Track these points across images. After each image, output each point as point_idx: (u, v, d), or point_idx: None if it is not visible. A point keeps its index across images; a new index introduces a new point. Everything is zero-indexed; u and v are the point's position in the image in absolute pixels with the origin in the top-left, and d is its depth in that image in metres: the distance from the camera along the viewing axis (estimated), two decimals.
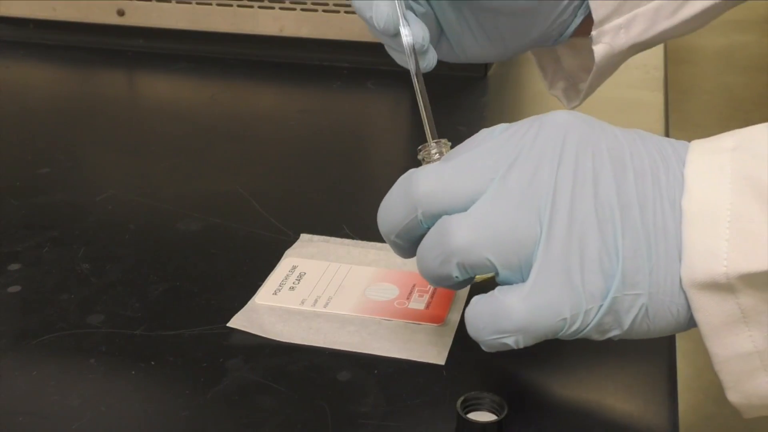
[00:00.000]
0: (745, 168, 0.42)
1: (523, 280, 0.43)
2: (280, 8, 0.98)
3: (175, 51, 1.02)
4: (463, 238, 0.43)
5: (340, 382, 0.50)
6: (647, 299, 0.43)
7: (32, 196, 0.71)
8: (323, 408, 0.48)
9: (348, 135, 0.86)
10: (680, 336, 0.51)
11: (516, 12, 0.56)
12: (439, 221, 0.45)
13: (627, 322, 0.44)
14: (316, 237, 0.64)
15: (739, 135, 0.44)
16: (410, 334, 0.54)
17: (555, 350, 0.51)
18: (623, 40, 0.57)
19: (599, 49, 0.57)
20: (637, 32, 0.57)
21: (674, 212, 0.43)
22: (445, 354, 0.52)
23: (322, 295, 0.57)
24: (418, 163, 0.49)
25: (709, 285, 0.42)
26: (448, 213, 0.45)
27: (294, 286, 0.58)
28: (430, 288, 0.57)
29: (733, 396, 0.45)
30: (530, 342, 0.44)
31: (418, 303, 0.56)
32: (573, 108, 0.64)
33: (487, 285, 0.45)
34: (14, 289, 0.58)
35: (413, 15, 0.52)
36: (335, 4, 0.97)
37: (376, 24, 0.52)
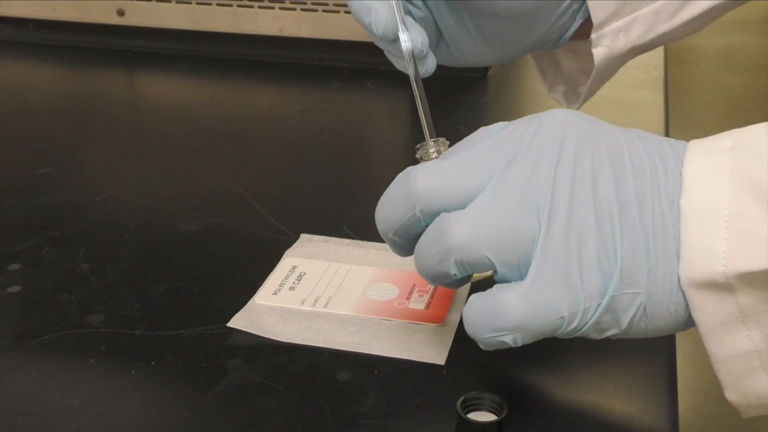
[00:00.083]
0: (744, 167, 0.42)
1: (522, 278, 0.43)
2: (280, 8, 0.98)
3: (175, 51, 1.02)
4: (461, 235, 0.43)
5: (340, 382, 0.50)
6: (645, 298, 0.43)
7: (32, 196, 0.71)
8: (323, 408, 0.48)
9: (348, 135, 0.86)
10: (680, 336, 0.51)
11: (515, 16, 0.56)
12: (438, 219, 0.45)
13: (625, 321, 0.44)
14: (316, 237, 0.64)
15: (737, 134, 0.44)
16: (410, 334, 0.54)
17: (555, 350, 0.52)
18: (623, 42, 0.57)
19: (599, 52, 0.57)
20: (636, 35, 0.57)
21: (673, 211, 0.43)
22: (445, 354, 0.52)
23: (322, 295, 0.57)
24: (417, 163, 0.49)
25: (708, 284, 0.42)
26: (447, 210, 0.45)
27: (294, 286, 0.58)
28: (430, 288, 0.57)
29: (732, 395, 0.45)
30: (528, 340, 0.44)
31: (418, 303, 0.56)
32: None
33: (485, 284, 0.45)
34: (14, 289, 0.58)
35: (412, 20, 0.52)
36: (335, 4, 0.97)
37: (374, 29, 0.52)
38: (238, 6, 0.99)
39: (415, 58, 0.51)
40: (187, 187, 0.73)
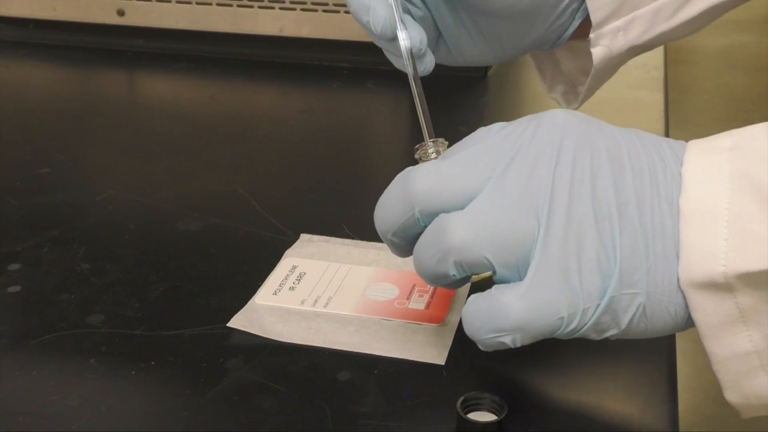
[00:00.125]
0: (743, 167, 0.42)
1: (521, 279, 0.43)
2: (280, 8, 0.98)
3: (175, 51, 1.02)
4: (460, 236, 0.43)
5: (340, 382, 0.50)
6: (645, 299, 0.43)
7: (32, 196, 0.71)
8: (323, 408, 0.48)
9: (348, 135, 0.86)
10: (680, 336, 0.51)
11: (513, 15, 0.56)
12: (437, 219, 0.45)
13: (625, 322, 0.44)
14: (316, 237, 0.64)
15: (736, 134, 0.44)
16: (410, 334, 0.54)
17: (555, 350, 0.52)
18: (622, 42, 0.57)
19: (597, 52, 0.57)
20: (635, 35, 0.58)
21: (672, 211, 0.43)
22: (445, 354, 0.52)
23: (322, 295, 0.57)
24: (416, 163, 0.49)
25: (708, 284, 0.42)
26: (446, 211, 0.45)
27: (294, 286, 0.58)
28: (430, 288, 0.57)
29: (732, 396, 0.45)
30: (527, 341, 0.44)
31: (418, 303, 0.56)
32: None
33: (484, 284, 0.45)
34: (14, 289, 0.58)
35: (411, 19, 0.52)
36: (335, 4, 0.97)
37: (373, 28, 0.52)
38: (238, 6, 0.99)
39: (414, 56, 0.51)
40: (187, 187, 0.73)
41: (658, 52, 0.97)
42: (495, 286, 0.44)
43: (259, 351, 0.53)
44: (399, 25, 0.51)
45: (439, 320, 0.55)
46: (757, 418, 0.48)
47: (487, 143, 0.45)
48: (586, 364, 0.52)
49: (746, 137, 0.43)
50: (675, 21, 0.58)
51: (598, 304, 0.43)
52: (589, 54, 0.58)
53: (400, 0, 0.51)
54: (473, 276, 0.45)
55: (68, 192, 0.72)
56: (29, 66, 1.02)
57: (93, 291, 0.58)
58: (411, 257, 0.48)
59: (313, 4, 0.97)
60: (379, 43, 0.54)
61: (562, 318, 0.43)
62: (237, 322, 0.55)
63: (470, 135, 0.47)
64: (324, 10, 0.97)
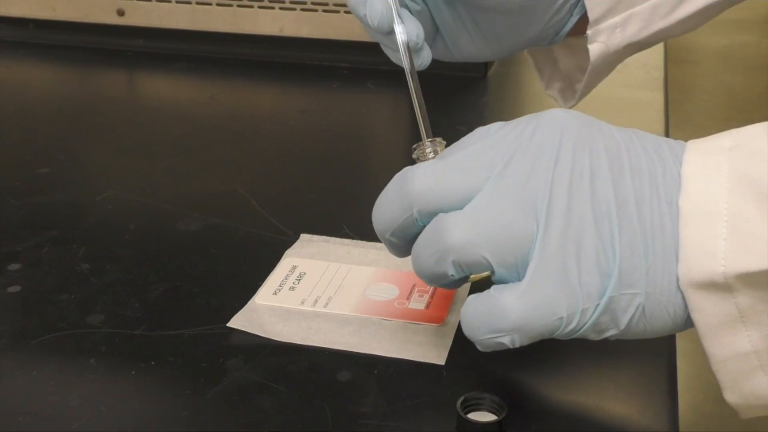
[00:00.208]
0: (743, 167, 0.42)
1: (519, 279, 0.43)
2: (280, 8, 0.98)
3: (175, 51, 1.02)
4: (459, 235, 0.43)
5: (340, 382, 0.50)
6: (644, 299, 0.43)
7: (32, 196, 0.71)
8: (323, 408, 0.48)
9: (348, 135, 0.86)
10: (680, 336, 0.51)
11: (511, 10, 0.56)
12: (435, 219, 0.45)
13: (624, 322, 0.44)
14: (316, 237, 0.64)
15: (736, 134, 0.44)
16: (410, 334, 0.54)
17: (555, 351, 0.52)
18: (619, 39, 0.58)
19: (594, 48, 0.57)
20: (632, 31, 0.58)
21: (671, 211, 0.43)
22: (445, 354, 0.52)
23: (322, 295, 0.57)
24: (414, 163, 0.49)
25: (707, 284, 0.42)
26: (444, 211, 0.44)
27: (294, 286, 0.58)
28: (430, 288, 0.57)
29: (731, 396, 0.45)
30: (526, 341, 0.44)
31: (418, 303, 0.56)
32: (569, 108, 0.64)
33: (485, 284, 0.45)
34: (14, 289, 0.58)
35: (408, 13, 0.52)
36: (335, 4, 0.97)
37: (370, 22, 0.52)
38: (238, 6, 0.99)
39: (411, 50, 0.51)
40: (187, 187, 0.73)
41: (658, 52, 0.97)
42: (494, 287, 0.44)
43: (259, 351, 0.53)
44: (396, 19, 0.51)
45: (439, 320, 0.55)
46: (757, 419, 0.48)
47: (486, 142, 0.45)
48: (586, 365, 0.52)
49: (745, 137, 0.43)
50: (672, 18, 0.58)
51: (597, 304, 0.43)
52: (587, 51, 0.58)
53: None
54: (471, 276, 0.45)
55: (68, 192, 0.72)
56: (29, 66, 1.02)
57: (93, 291, 0.58)
58: (410, 257, 0.48)
59: (313, 4, 0.97)
60: (375, 37, 0.54)
61: (561, 318, 0.43)
62: (237, 322, 0.55)
63: (469, 134, 0.47)
64: (324, 10, 0.97)
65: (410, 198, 0.45)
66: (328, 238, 0.63)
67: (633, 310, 0.43)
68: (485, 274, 0.45)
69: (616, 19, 0.57)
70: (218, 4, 1.00)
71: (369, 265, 0.60)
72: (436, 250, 0.44)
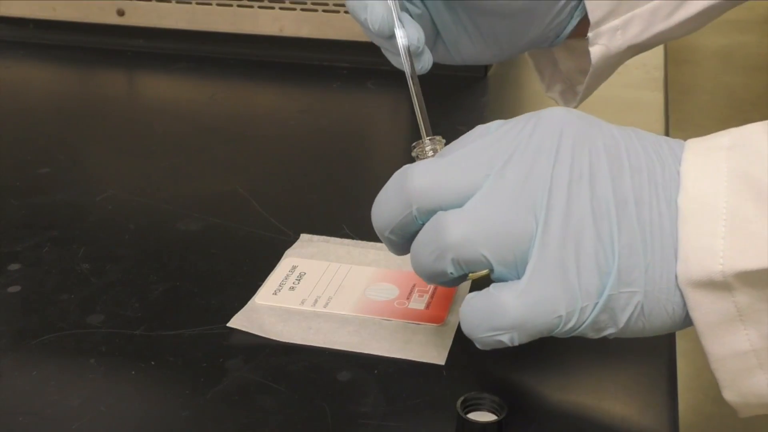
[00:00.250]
0: (741, 166, 0.42)
1: (519, 277, 0.43)
2: (280, 8, 0.98)
3: (175, 51, 1.02)
4: (458, 233, 0.43)
5: (340, 382, 0.50)
6: (643, 297, 0.43)
7: (32, 196, 0.71)
8: (323, 408, 0.48)
9: (348, 135, 0.86)
10: (680, 335, 0.51)
11: (511, 13, 0.56)
12: (434, 217, 0.45)
13: (622, 320, 0.44)
14: (316, 237, 0.64)
15: (735, 133, 0.44)
16: (410, 334, 0.54)
17: (555, 351, 0.52)
18: (620, 41, 0.58)
19: (596, 51, 0.57)
20: (633, 34, 0.58)
21: (670, 210, 0.43)
22: (445, 354, 0.52)
23: (322, 295, 0.57)
24: (414, 161, 0.49)
25: (706, 283, 0.42)
26: (443, 209, 0.44)
27: (294, 286, 0.58)
28: (430, 288, 0.57)
29: (730, 395, 0.45)
30: (525, 339, 0.44)
31: (418, 303, 0.56)
32: None
33: (485, 282, 0.45)
34: (14, 289, 0.58)
35: (408, 17, 0.52)
36: (335, 4, 0.97)
37: (370, 26, 0.52)
38: (238, 6, 0.99)
39: (411, 54, 0.51)
40: (187, 187, 0.73)
41: (658, 52, 0.97)
42: (493, 285, 0.44)
43: (259, 351, 0.53)
44: (396, 23, 0.51)
45: (439, 320, 0.55)
46: (757, 418, 0.48)
47: (486, 141, 0.45)
48: (586, 365, 0.52)
49: (744, 136, 0.43)
50: (673, 20, 0.58)
51: (596, 303, 0.43)
52: (588, 53, 0.58)
53: None
54: (470, 274, 0.45)
55: (68, 192, 0.72)
56: (29, 66, 1.02)
57: (93, 291, 0.58)
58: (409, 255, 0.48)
59: (313, 4, 0.97)
60: (376, 41, 0.54)
61: (560, 316, 0.43)
62: (237, 322, 0.55)
63: (468, 132, 0.47)
64: (324, 10, 0.97)
65: (409, 196, 0.45)
66: (328, 238, 0.63)
67: (632, 308, 0.43)
68: (484, 272, 0.45)
69: (617, 21, 0.57)
70: (218, 4, 1.00)
71: (369, 265, 0.60)
72: (436, 248, 0.44)
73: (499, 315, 0.43)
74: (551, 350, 0.51)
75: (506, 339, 0.44)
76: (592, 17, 0.56)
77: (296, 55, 0.99)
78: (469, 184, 0.44)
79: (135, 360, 0.52)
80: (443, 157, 0.46)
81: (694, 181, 0.43)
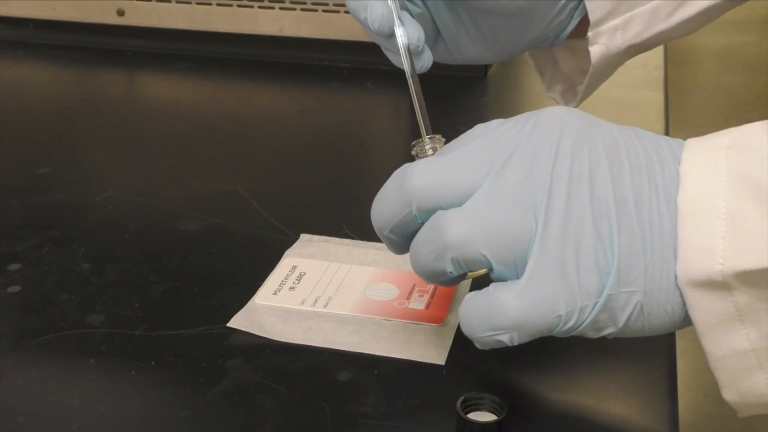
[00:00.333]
0: (741, 165, 0.42)
1: (518, 277, 0.43)
2: (280, 8, 0.98)
3: (175, 51, 1.02)
4: (458, 233, 0.43)
5: (340, 382, 0.50)
6: (642, 297, 0.43)
7: (32, 196, 0.71)
8: (323, 408, 0.48)
9: (348, 135, 0.86)
10: (680, 335, 0.51)
11: (512, 13, 0.56)
12: (434, 216, 0.45)
13: (622, 320, 0.44)
14: (316, 237, 0.64)
15: (734, 132, 0.44)
16: (410, 334, 0.54)
17: (555, 351, 0.52)
18: (620, 41, 0.58)
19: (595, 50, 0.57)
20: (633, 33, 0.58)
21: (670, 209, 0.43)
22: (445, 354, 0.52)
23: (322, 295, 0.57)
24: (413, 160, 0.49)
25: (705, 283, 0.42)
26: (443, 208, 0.44)
27: (294, 286, 0.58)
28: (430, 288, 0.57)
29: (729, 394, 0.45)
30: (525, 339, 0.44)
31: (418, 303, 0.56)
32: None
33: (486, 281, 0.45)
34: (14, 289, 0.58)
35: (408, 15, 0.52)
36: (335, 4, 0.97)
37: (370, 25, 0.52)
38: (238, 6, 0.99)
39: (411, 53, 0.51)
40: (187, 187, 0.73)
41: (658, 52, 0.97)
42: (492, 284, 0.44)
43: (259, 351, 0.53)
44: (396, 22, 0.51)
45: (439, 320, 0.55)
46: (757, 418, 0.48)
47: (485, 140, 0.45)
48: (586, 365, 0.52)
49: (744, 135, 0.43)
50: (673, 20, 0.58)
51: (596, 302, 0.43)
52: (588, 53, 0.58)
53: None
54: (469, 273, 0.45)
55: (68, 192, 0.72)
56: (29, 66, 1.02)
57: (93, 291, 0.58)
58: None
59: (313, 4, 0.97)
60: (376, 40, 0.54)
61: (559, 316, 0.43)
62: (237, 322, 0.55)
63: (468, 131, 0.47)
64: (324, 10, 0.97)
65: (409, 195, 0.45)
66: (328, 238, 0.63)
67: (631, 308, 0.43)
68: (483, 271, 0.45)
69: (617, 21, 0.57)
70: (218, 4, 1.00)
71: (369, 265, 0.60)
72: (435, 248, 0.44)
73: (498, 315, 0.43)
74: (551, 350, 0.51)
75: (506, 339, 0.44)
76: (592, 17, 0.57)
77: (296, 55, 0.99)
78: (468, 183, 0.44)
79: (135, 360, 0.52)
80: (443, 156, 0.46)
81: (693, 181, 0.43)
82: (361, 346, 0.53)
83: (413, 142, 0.50)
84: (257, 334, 0.54)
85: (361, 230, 0.64)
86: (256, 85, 0.98)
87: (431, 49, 0.54)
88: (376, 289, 0.58)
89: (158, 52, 1.02)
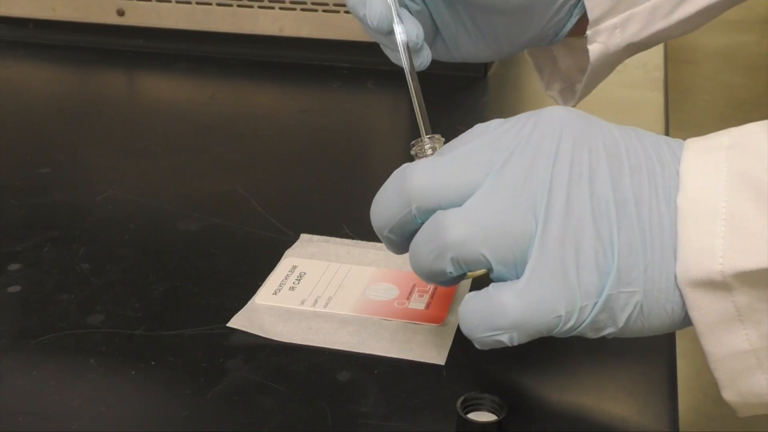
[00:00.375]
0: (741, 165, 0.42)
1: (518, 277, 0.43)
2: (280, 8, 0.98)
3: (175, 51, 1.02)
4: (457, 232, 0.43)
5: (340, 382, 0.50)
6: (642, 297, 0.43)
7: (32, 196, 0.71)
8: (323, 408, 0.48)
9: (348, 135, 0.86)
10: (680, 335, 0.51)
11: (511, 11, 0.56)
12: (434, 216, 0.45)
13: (622, 320, 0.44)
14: (316, 237, 0.64)
15: (734, 132, 0.44)
16: (410, 334, 0.54)
17: (555, 351, 0.52)
18: (618, 39, 0.58)
19: (594, 49, 0.57)
20: (632, 32, 0.58)
21: (670, 210, 0.43)
22: (445, 354, 0.52)
23: (322, 295, 0.57)
24: (413, 160, 0.49)
25: (705, 283, 0.42)
26: (443, 208, 0.44)
27: (294, 286, 0.58)
28: (430, 288, 0.57)
29: (729, 394, 0.45)
30: (524, 339, 0.44)
31: (418, 303, 0.56)
32: None
33: (485, 280, 0.45)
34: (14, 289, 0.58)
35: (407, 13, 0.52)
36: (335, 4, 0.97)
37: (369, 22, 0.52)
38: (238, 6, 0.99)
39: (410, 50, 0.51)
40: (187, 187, 0.73)
41: (658, 52, 0.97)
42: (492, 284, 0.44)
43: (259, 351, 0.53)
44: (395, 19, 0.51)
45: (439, 320, 0.55)
46: (757, 418, 0.48)
47: (485, 139, 0.45)
48: (586, 365, 0.52)
49: (744, 135, 0.43)
50: (672, 19, 0.58)
51: (596, 302, 0.43)
52: (587, 51, 0.58)
53: None
54: (469, 273, 0.45)
55: (68, 192, 0.72)
56: (29, 66, 1.02)
57: (93, 291, 0.58)
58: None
59: (313, 4, 0.97)
60: (375, 38, 0.54)
61: (559, 316, 0.43)
62: (237, 322, 0.55)
63: (468, 131, 0.47)
64: (324, 10, 0.97)
65: (409, 194, 0.45)
66: (328, 238, 0.63)
67: (631, 308, 0.43)
68: (483, 271, 0.45)
69: (616, 19, 0.57)
70: (218, 4, 1.00)
71: (369, 265, 0.60)
72: (435, 247, 0.44)
73: (498, 315, 0.43)
74: (551, 350, 0.51)
75: (505, 339, 0.44)
76: (591, 15, 0.57)
77: (296, 55, 0.99)
78: (468, 183, 0.44)
79: (135, 360, 0.52)
80: (442, 156, 0.46)
81: (693, 181, 0.43)
82: (361, 346, 0.53)
83: (413, 142, 0.50)
84: (257, 334, 0.54)
85: (361, 230, 0.64)
86: (256, 85, 0.98)
87: (430, 47, 0.54)
88: (376, 289, 0.58)
89: (158, 52, 1.02)
